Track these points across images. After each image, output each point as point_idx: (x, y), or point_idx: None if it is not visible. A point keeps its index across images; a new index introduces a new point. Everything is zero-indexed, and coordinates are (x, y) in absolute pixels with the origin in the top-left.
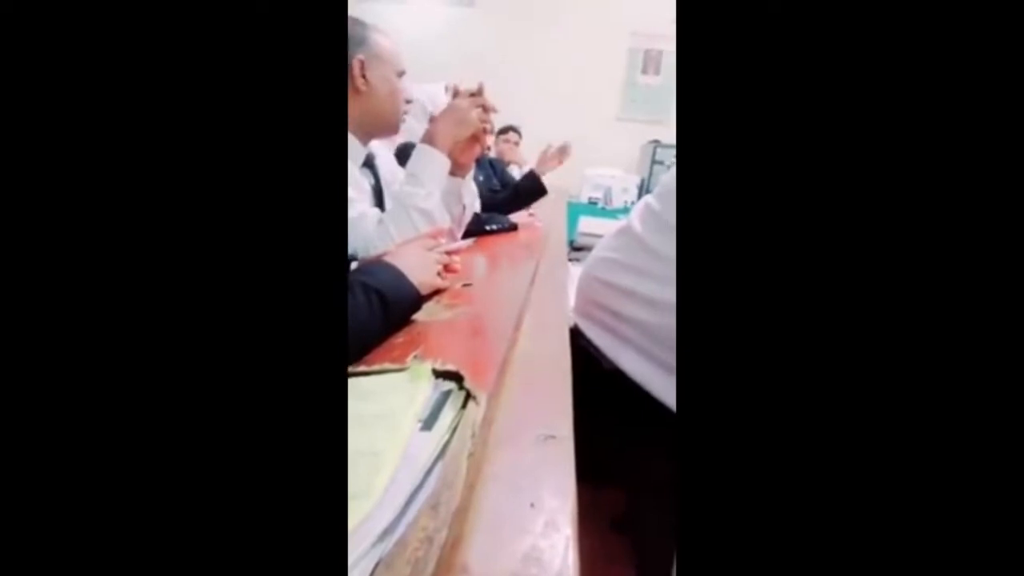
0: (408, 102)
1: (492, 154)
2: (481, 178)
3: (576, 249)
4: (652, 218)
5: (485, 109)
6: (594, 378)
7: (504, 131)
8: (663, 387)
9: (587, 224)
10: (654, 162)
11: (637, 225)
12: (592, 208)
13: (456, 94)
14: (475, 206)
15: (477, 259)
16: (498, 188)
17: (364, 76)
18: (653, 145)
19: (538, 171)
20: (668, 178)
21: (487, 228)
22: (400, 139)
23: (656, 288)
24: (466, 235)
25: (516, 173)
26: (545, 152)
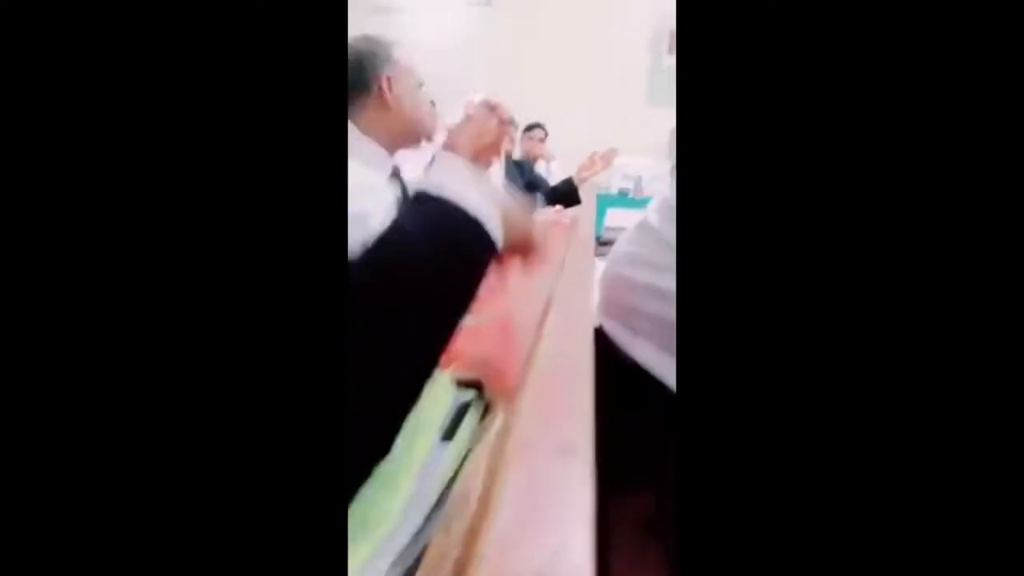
0: (432, 104)
1: (517, 155)
2: (507, 179)
3: (603, 244)
4: (669, 211)
5: (502, 123)
6: (618, 377)
7: (529, 128)
8: None
9: (614, 217)
10: None
11: (654, 219)
12: (623, 199)
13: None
14: None
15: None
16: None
17: (391, 91)
18: None
19: (578, 179)
20: None
21: None
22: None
23: (673, 282)
24: None
25: (542, 169)
26: (589, 159)
